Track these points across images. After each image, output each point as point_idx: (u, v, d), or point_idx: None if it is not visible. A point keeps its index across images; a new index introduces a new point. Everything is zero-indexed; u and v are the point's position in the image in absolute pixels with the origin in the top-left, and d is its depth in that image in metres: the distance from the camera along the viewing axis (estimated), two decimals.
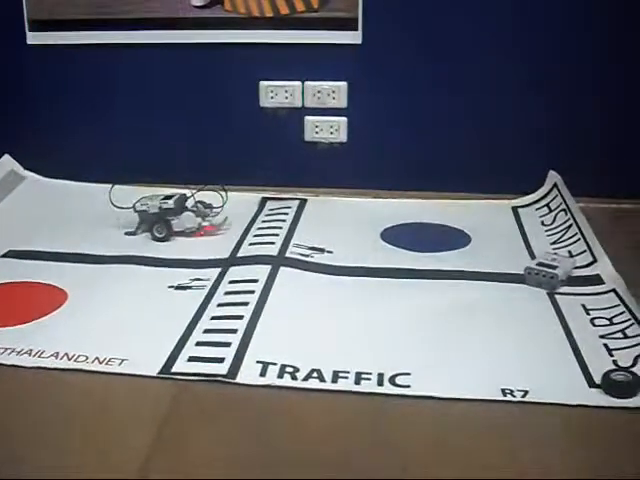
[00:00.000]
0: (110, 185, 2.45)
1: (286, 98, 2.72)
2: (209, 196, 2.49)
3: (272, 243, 2.27)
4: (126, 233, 2.39)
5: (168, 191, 2.50)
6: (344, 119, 2.73)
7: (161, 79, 2.75)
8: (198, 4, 2.69)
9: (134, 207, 2.39)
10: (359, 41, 2.65)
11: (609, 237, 2.34)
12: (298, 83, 2.71)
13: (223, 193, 2.47)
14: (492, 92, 2.65)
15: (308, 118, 2.74)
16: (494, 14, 2.58)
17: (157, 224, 2.35)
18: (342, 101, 2.71)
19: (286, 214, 2.52)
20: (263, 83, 2.73)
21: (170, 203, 2.37)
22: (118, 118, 2.79)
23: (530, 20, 2.57)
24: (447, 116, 2.69)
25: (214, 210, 2.45)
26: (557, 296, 1.98)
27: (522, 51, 2.61)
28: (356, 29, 2.64)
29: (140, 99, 2.77)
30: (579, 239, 2.26)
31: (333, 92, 2.70)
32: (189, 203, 2.43)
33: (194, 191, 2.46)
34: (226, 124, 2.76)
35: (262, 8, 2.67)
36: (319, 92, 2.71)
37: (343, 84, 2.69)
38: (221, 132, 2.76)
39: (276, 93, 2.73)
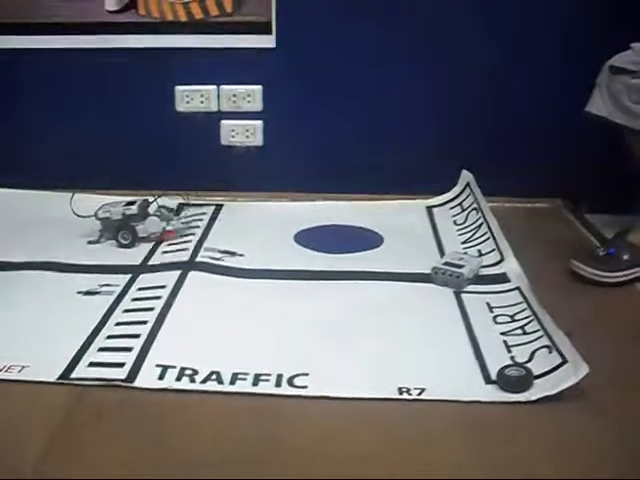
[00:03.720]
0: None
1: (202, 102, 2.72)
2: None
3: (185, 250, 2.26)
4: (89, 242, 2.35)
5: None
6: (260, 122, 2.74)
7: (75, 83, 2.73)
8: (112, 9, 2.67)
9: (96, 215, 2.35)
10: (273, 45, 2.66)
11: (521, 235, 2.38)
12: (213, 87, 2.71)
13: (186, 197, 2.48)
14: (406, 93, 2.69)
15: (224, 122, 2.74)
16: (406, 19, 2.62)
17: (122, 230, 2.31)
18: (257, 104, 2.72)
19: (201, 219, 2.52)
20: (179, 88, 2.72)
21: (134, 209, 2.33)
22: (32, 122, 2.75)
23: (447, 27, 2.62)
24: (361, 118, 2.71)
25: (176, 215, 2.43)
26: (463, 295, 2.01)
27: (435, 53, 2.65)
28: (270, 33, 2.66)
29: (54, 103, 2.74)
30: (488, 238, 2.30)
31: (248, 96, 2.71)
32: (151, 208, 2.39)
33: (156, 196, 2.43)
34: (142, 129, 2.75)
35: (176, 12, 2.66)
36: (234, 96, 2.71)
37: (258, 88, 2.70)
38: (137, 137, 2.75)
39: (192, 98, 2.72)
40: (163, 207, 2.41)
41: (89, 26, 2.68)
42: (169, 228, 2.35)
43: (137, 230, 2.31)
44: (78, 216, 2.37)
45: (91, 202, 2.44)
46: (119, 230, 2.31)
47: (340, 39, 2.65)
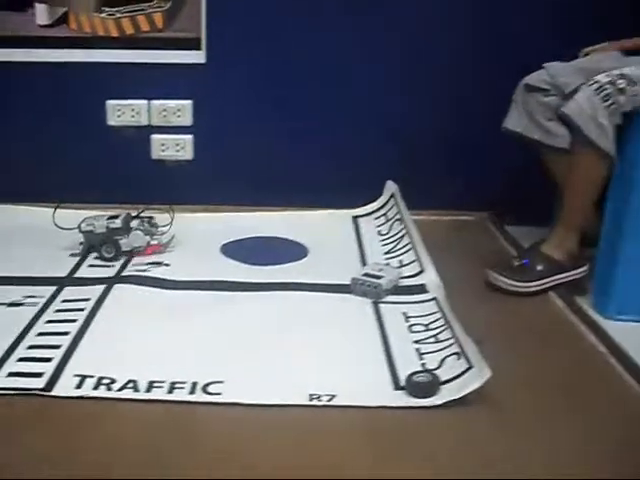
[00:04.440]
0: None
1: (132, 117, 2.75)
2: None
3: (111, 266, 2.29)
4: (71, 255, 2.35)
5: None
6: (190, 137, 2.78)
7: (5, 97, 2.73)
8: (44, 23, 2.69)
9: (79, 228, 2.36)
10: (203, 60, 2.71)
11: (444, 247, 2.46)
12: (144, 102, 2.74)
13: (170, 212, 2.47)
14: (333, 108, 2.75)
15: (154, 136, 2.78)
16: (334, 34, 2.69)
17: (105, 244, 2.31)
18: (187, 119, 2.76)
19: None
20: (110, 102, 2.75)
21: (117, 222, 2.34)
22: None
23: (371, 43, 2.71)
24: (290, 131, 2.77)
25: (159, 229, 2.43)
26: (381, 305, 2.07)
27: (359, 67, 2.73)
28: (200, 49, 2.70)
29: None
30: (410, 249, 2.36)
31: (179, 110, 2.75)
32: (134, 222, 2.40)
33: (140, 210, 2.45)
34: (73, 143, 2.77)
35: (107, 27, 2.70)
36: (165, 110, 2.75)
37: (188, 102, 2.74)
38: (68, 150, 2.77)
39: (123, 112, 2.75)
40: (147, 221, 2.42)
41: (21, 40, 2.69)
42: (154, 242, 2.37)
43: (121, 244, 2.32)
44: (61, 229, 2.38)
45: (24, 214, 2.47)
46: (102, 244, 2.31)
47: (269, 54, 2.71)
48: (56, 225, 2.39)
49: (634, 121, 2.04)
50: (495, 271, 2.21)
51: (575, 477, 1.42)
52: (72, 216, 2.45)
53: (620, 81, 2.02)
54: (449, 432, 1.54)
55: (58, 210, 2.45)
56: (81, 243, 2.37)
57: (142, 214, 2.44)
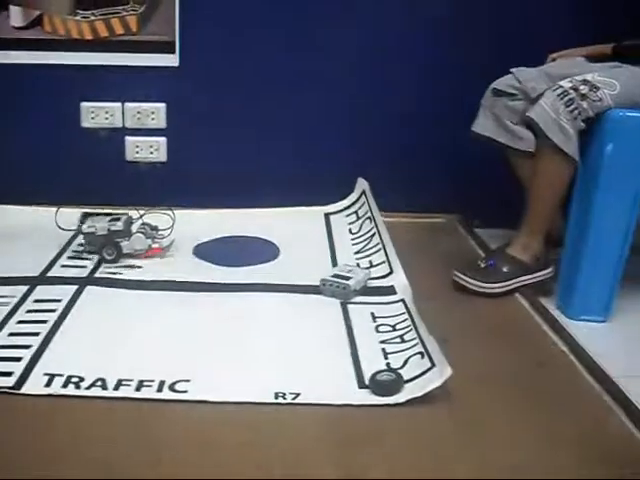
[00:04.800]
0: None
1: (106, 119, 2.78)
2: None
3: (84, 267, 2.31)
4: (70, 257, 2.36)
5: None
6: (164, 139, 2.80)
7: None
8: (18, 25, 2.71)
9: (80, 229, 2.37)
10: (177, 63, 2.74)
11: (414, 248, 2.50)
12: (118, 104, 2.76)
13: (171, 214, 2.47)
14: (304, 108, 2.79)
15: (129, 138, 2.80)
16: (305, 37, 2.74)
17: (106, 246, 2.31)
18: (161, 122, 2.78)
19: None
20: (84, 104, 2.77)
21: (119, 225, 2.34)
22: None
23: (345, 43, 2.74)
24: (263, 131, 2.81)
25: (159, 232, 2.43)
26: (349, 305, 2.10)
27: (333, 68, 2.77)
28: (173, 52, 2.73)
29: None
30: (380, 249, 2.40)
31: (152, 113, 2.77)
32: (135, 225, 2.40)
33: (142, 212, 2.46)
34: (48, 144, 2.78)
35: (81, 30, 2.71)
36: (139, 113, 2.77)
37: (162, 105, 2.77)
38: (43, 152, 2.78)
39: (97, 114, 2.77)
40: (147, 224, 2.43)
41: None
42: (155, 245, 2.38)
43: (122, 246, 2.33)
44: (62, 229, 2.40)
45: None
46: (104, 246, 2.31)
47: (243, 57, 2.74)
48: (58, 226, 2.40)
49: (596, 125, 2.08)
50: (461, 272, 2.25)
51: (533, 473, 1.45)
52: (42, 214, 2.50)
53: (583, 87, 2.06)
54: (411, 430, 1.57)
55: (34, 208, 2.52)
56: (80, 244, 2.39)
57: (143, 217, 2.45)
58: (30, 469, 1.40)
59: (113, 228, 2.34)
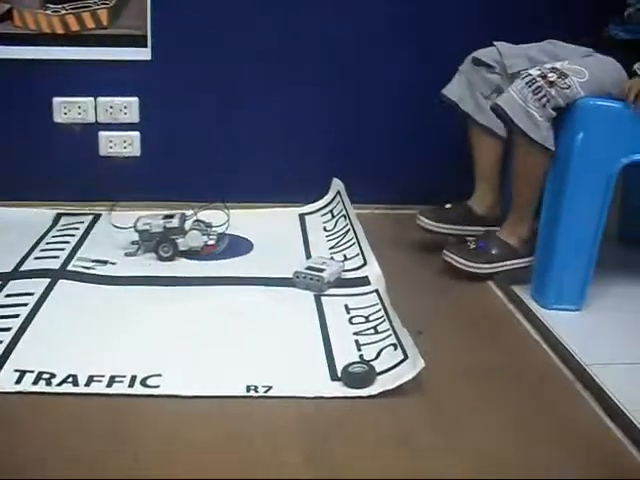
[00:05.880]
0: None
1: (79, 114, 2.76)
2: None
3: (56, 257, 2.30)
4: (126, 254, 2.35)
5: None
6: (137, 134, 2.79)
7: None
8: None
9: (135, 227, 2.35)
10: (149, 57, 2.72)
11: (387, 240, 2.50)
12: (91, 99, 2.75)
13: (226, 210, 2.47)
14: (278, 105, 2.78)
15: (102, 133, 2.78)
16: (278, 31, 2.73)
17: (163, 244, 2.30)
18: (134, 116, 2.77)
19: (77, 229, 2.55)
20: (56, 99, 2.75)
21: (174, 222, 2.33)
22: None
23: (317, 41, 2.75)
24: (236, 128, 2.79)
25: (213, 229, 2.43)
26: (323, 298, 2.10)
27: (305, 63, 2.77)
28: (145, 46, 2.71)
29: None
30: (354, 243, 2.40)
31: (125, 107, 2.76)
32: (188, 223, 2.39)
33: (197, 209, 2.45)
34: (20, 140, 2.76)
35: (52, 24, 2.69)
36: (111, 107, 2.76)
37: (134, 99, 2.75)
38: (15, 148, 2.76)
39: (69, 109, 2.75)
40: (200, 221, 2.42)
41: None
42: (210, 242, 2.36)
43: (178, 243, 2.32)
44: (116, 227, 2.41)
45: None
46: (160, 243, 2.30)
47: (215, 51, 2.73)
48: (113, 225, 2.43)
49: (567, 114, 2.08)
50: (451, 252, 2.27)
51: (506, 463, 1.45)
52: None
53: (551, 74, 2.07)
54: (385, 422, 1.57)
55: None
56: (134, 242, 2.38)
57: (197, 214, 2.45)
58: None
59: (169, 225, 2.33)
